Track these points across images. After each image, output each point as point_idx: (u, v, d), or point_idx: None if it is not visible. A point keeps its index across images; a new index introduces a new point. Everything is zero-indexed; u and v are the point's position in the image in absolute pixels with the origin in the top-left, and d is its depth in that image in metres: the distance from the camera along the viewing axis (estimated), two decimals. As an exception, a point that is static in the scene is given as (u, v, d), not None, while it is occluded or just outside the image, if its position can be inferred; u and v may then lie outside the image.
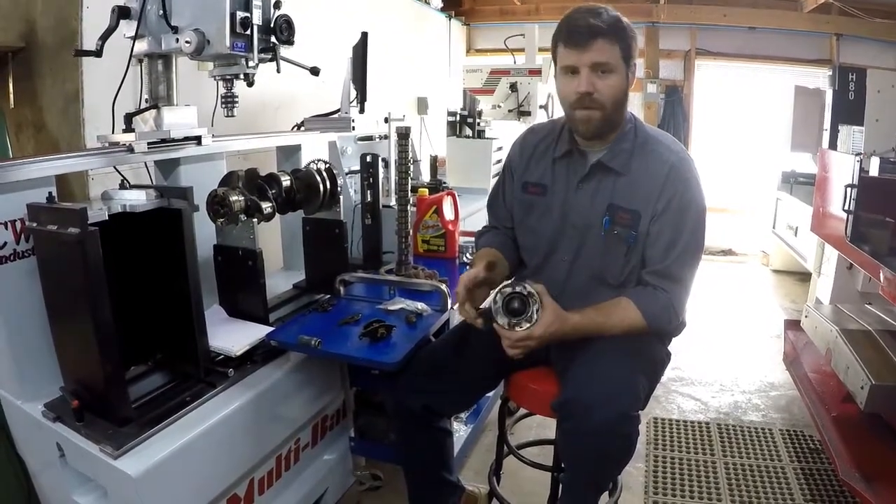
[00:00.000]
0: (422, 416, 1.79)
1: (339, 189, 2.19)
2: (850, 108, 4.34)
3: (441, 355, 1.82)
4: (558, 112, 1.85)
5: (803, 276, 4.99)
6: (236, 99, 1.91)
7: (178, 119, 1.87)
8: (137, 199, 1.64)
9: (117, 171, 1.89)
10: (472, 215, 3.57)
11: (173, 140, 1.84)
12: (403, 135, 2.30)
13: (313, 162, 2.18)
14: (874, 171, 2.68)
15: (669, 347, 1.83)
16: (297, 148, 2.56)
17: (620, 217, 1.68)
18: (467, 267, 2.53)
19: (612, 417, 1.45)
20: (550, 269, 1.81)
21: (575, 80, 1.62)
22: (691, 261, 1.68)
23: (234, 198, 1.83)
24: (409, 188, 2.35)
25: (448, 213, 2.66)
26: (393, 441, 2.07)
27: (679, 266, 1.67)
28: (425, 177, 3.51)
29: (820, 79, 5.77)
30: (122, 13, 1.71)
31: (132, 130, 1.81)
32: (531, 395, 1.79)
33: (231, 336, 1.88)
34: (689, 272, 1.69)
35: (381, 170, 2.42)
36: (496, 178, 4.48)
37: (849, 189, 2.72)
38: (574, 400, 1.52)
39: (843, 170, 2.91)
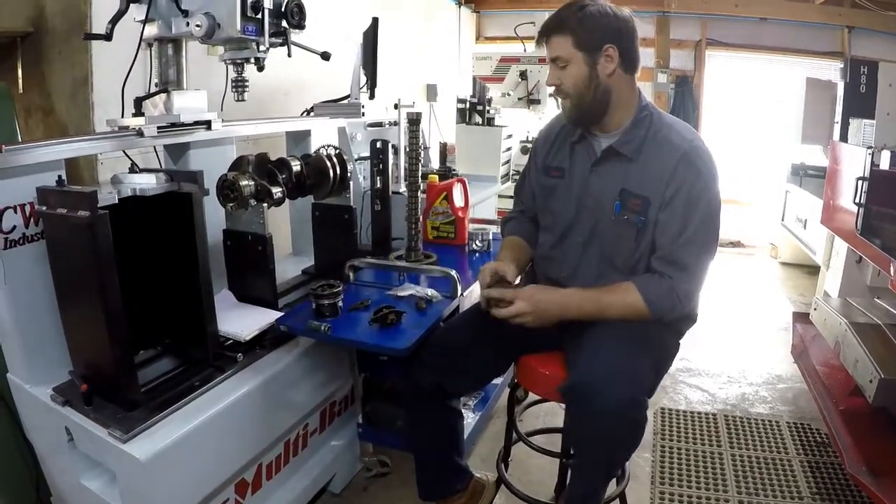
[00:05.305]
0: (434, 395, 1.79)
1: (348, 175, 2.18)
2: (861, 101, 4.30)
3: (455, 335, 1.83)
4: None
5: (812, 269, 4.97)
6: (247, 83, 1.91)
7: (188, 103, 1.86)
8: (147, 183, 1.63)
9: (127, 155, 1.88)
10: (481, 202, 3.57)
11: (183, 124, 1.84)
12: (414, 121, 2.29)
13: (323, 147, 2.17)
14: (885, 164, 2.65)
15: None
16: (306, 133, 2.56)
17: (631, 202, 1.69)
18: (477, 254, 2.55)
19: (620, 401, 1.45)
20: (565, 250, 1.84)
21: None
22: (700, 250, 1.66)
23: (244, 182, 1.83)
24: (420, 174, 2.34)
25: (458, 200, 2.65)
26: (401, 428, 2.08)
27: (686, 252, 1.65)
28: (434, 164, 3.50)
29: (831, 71, 5.73)
30: (132, -4, 1.70)
31: (142, 115, 1.80)
32: (540, 378, 1.79)
33: (240, 321, 1.88)
34: (698, 261, 1.67)
35: (390, 156, 2.42)
36: (505, 165, 4.52)
37: (860, 182, 2.70)
38: (580, 384, 1.53)
39: (854, 163, 2.89)
